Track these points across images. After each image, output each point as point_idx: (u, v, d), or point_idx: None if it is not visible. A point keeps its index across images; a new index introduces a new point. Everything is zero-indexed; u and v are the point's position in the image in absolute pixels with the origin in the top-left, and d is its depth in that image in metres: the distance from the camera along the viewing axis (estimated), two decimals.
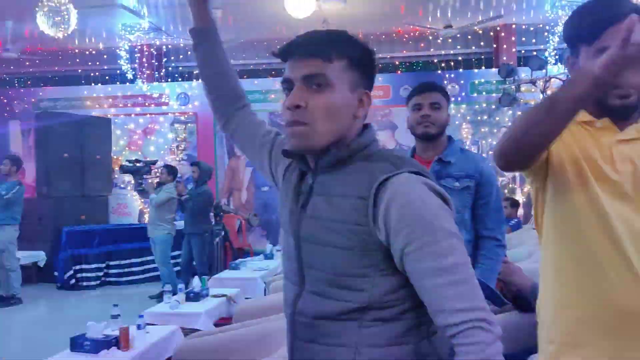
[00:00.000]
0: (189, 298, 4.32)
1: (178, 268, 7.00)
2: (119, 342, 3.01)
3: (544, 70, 7.00)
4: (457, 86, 8.33)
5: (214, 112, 1.42)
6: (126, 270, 7.63)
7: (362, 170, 1.05)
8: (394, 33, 8.67)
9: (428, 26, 7.81)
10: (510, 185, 8.25)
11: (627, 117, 1.28)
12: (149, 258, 7.60)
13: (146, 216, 8.75)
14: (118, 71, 9.27)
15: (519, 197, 7.97)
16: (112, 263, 7.59)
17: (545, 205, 1.34)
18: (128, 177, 8.41)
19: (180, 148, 9.26)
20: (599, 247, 1.24)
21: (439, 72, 8.47)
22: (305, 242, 1.10)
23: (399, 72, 8.70)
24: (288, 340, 1.15)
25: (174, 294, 4.50)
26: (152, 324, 3.63)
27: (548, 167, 1.30)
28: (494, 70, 8.13)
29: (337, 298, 1.04)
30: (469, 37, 8.63)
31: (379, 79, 8.60)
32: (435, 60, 8.91)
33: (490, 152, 8.27)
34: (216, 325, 4.16)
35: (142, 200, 8.75)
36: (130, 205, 9.10)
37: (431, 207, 0.99)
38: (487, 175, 2.16)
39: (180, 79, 9.44)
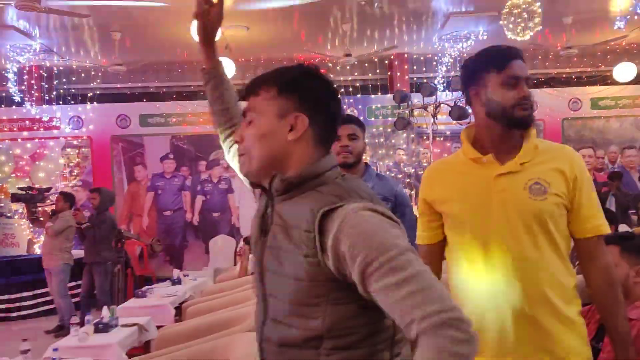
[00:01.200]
0: (97, 329, 4.14)
1: (75, 299, 6.64)
2: None
3: (434, 97, 7.56)
4: (355, 111, 8.73)
5: (222, 142, 1.54)
6: (16, 305, 7.08)
7: (310, 201, 1.08)
8: (295, 59, 8.94)
9: (328, 54, 8.16)
10: None
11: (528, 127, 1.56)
12: (41, 291, 7.14)
13: (36, 246, 8.20)
14: (4, 94, 8.67)
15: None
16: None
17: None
18: (16, 206, 7.84)
19: (73, 173, 8.80)
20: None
21: (339, 97, 8.82)
22: (266, 271, 1.14)
23: None
24: None
25: (82, 325, 4.29)
26: (63, 358, 3.46)
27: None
28: (389, 96, 8.64)
29: (296, 326, 1.07)
30: (366, 64, 9.12)
31: None
32: (335, 86, 9.25)
33: (387, 172, 8.77)
34: (129, 355, 4.04)
35: (32, 230, 8.19)
36: (19, 235, 8.46)
37: (381, 229, 1.01)
38: (401, 196, 2.42)
39: (72, 102, 9.01)
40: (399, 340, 1.11)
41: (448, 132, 8.51)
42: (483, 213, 1.53)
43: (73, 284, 6.74)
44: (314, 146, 1.15)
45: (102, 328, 4.16)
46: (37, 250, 8.05)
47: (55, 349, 3.21)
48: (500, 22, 6.28)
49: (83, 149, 8.84)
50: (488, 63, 1.56)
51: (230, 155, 1.51)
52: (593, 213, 1.54)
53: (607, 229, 1.55)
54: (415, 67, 9.18)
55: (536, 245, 1.49)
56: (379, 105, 8.84)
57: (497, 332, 1.50)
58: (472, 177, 1.56)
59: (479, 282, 1.53)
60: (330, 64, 8.86)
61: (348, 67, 8.76)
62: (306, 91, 1.15)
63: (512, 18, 6.11)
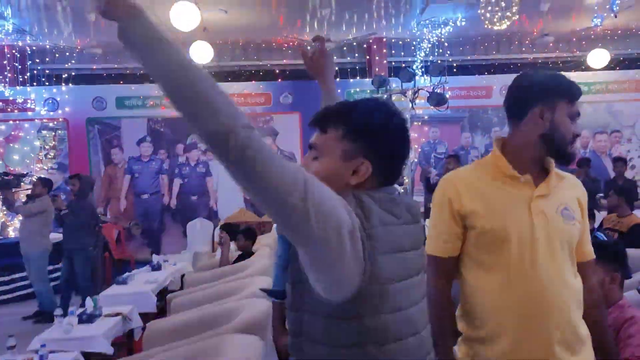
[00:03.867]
0: (81, 320, 4.16)
1: (54, 283, 6.64)
2: None
3: (412, 82, 7.62)
4: None
5: None
6: None
7: None
8: (274, 42, 8.89)
9: (306, 38, 8.14)
10: None
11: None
12: (17, 275, 7.10)
13: (10, 229, 8.11)
14: None
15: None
16: None
17: None
18: None
19: (49, 156, 8.68)
20: None
21: (317, 81, 8.83)
22: None
23: (279, 80, 8.94)
24: None
25: (65, 315, 4.32)
26: (51, 351, 3.48)
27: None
28: (368, 80, 8.68)
29: None
30: (344, 48, 9.12)
31: (260, 87, 8.79)
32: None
33: None
34: (113, 345, 4.09)
35: (5, 212, 8.09)
36: None
37: None
38: None
39: (47, 83, 8.83)
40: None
41: (426, 117, 8.62)
42: (528, 233, 1.50)
43: (51, 267, 6.73)
44: (374, 186, 1.14)
45: (86, 319, 4.18)
46: (12, 233, 7.97)
47: (43, 345, 3.24)
48: (479, 12, 6.35)
49: (59, 131, 8.71)
50: (564, 90, 1.56)
51: None
52: (589, 239, 1.65)
53: (594, 255, 1.67)
54: (393, 52, 9.21)
55: (569, 268, 1.55)
56: (357, 90, 8.88)
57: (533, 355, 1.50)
58: (512, 195, 1.53)
59: (516, 304, 1.50)
60: (308, 48, 8.83)
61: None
62: (374, 137, 1.12)
63: (490, 7, 6.18)
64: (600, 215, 6.44)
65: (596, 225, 5.00)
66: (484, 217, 1.53)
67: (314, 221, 0.92)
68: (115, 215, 8.57)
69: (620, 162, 7.61)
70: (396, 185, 1.26)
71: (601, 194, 7.52)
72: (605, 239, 3.81)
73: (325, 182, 1.02)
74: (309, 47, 1.59)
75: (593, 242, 2.27)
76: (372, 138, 1.12)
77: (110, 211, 8.64)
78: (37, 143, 8.61)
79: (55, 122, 8.66)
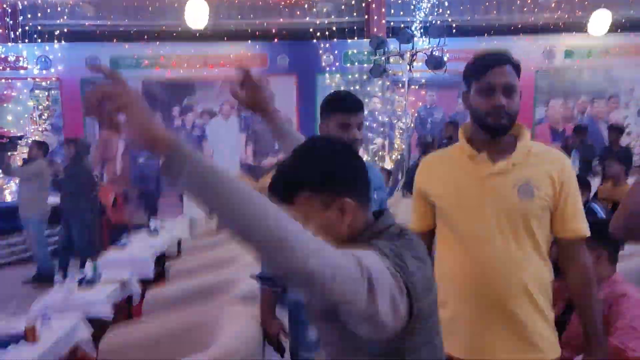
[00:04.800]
0: (82, 285, 4.22)
1: (52, 247, 6.69)
2: (26, 337, 2.95)
3: (411, 44, 7.50)
4: (331, 56, 8.65)
5: None
6: None
7: None
8: (271, 1, 8.70)
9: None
10: (380, 153, 8.86)
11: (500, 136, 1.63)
12: (16, 239, 7.14)
13: (6, 192, 8.11)
14: None
15: (388, 165, 8.62)
16: None
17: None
18: None
19: (43, 117, 8.59)
20: None
21: (315, 41, 8.71)
22: None
23: (275, 40, 8.79)
24: None
25: (65, 276, 4.37)
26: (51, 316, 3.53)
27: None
28: (366, 41, 8.54)
29: None
30: (343, 7, 8.94)
31: (256, 48, 8.65)
32: (311, 29, 9.08)
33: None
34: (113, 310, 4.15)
35: (2, 176, 8.07)
36: None
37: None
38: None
39: (39, 40, 8.64)
40: None
41: (423, 81, 8.54)
42: (474, 211, 1.60)
43: (49, 231, 6.77)
44: (362, 212, 1.15)
45: (87, 284, 4.24)
46: (8, 197, 7.97)
47: (45, 311, 3.29)
48: None
49: (53, 91, 8.60)
50: (472, 70, 1.64)
51: None
52: (575, 216, 1.62)
53: (587, 232, 1.64)
54: (392, 11, 9.03)
55: (520, 244, 1.58)
56: (355, 51, 8.75)
57: (474, 324, 1.62)
58: (466, 174, 1.63)
59: (464, 275, 1.63)
60: (306, 6, 8.66)
61: (325, 9, 8.58)
62: (337, 181, 1.12)
63: None
64: (595, 184, 6.50)
65: (591, 194, 5.02)
66: (441, 196, 1.69)
67: (380, 304, 0.94)
68: (111, 178, 8.56)
69: (615, 130, 7.58)
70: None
71: (596, 162, 7.56)
72: (600, 211, 3.84)
73: (327, 234, 1.02)
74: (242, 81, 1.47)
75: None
76: (334, 179, 1.11)
77: (106, 174, 8.62)
78: (30, 103, 8.51)
79: (48, 82, 8.53)
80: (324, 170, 1.11)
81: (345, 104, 1.90)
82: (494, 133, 1.60)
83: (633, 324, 2.02)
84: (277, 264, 0.86)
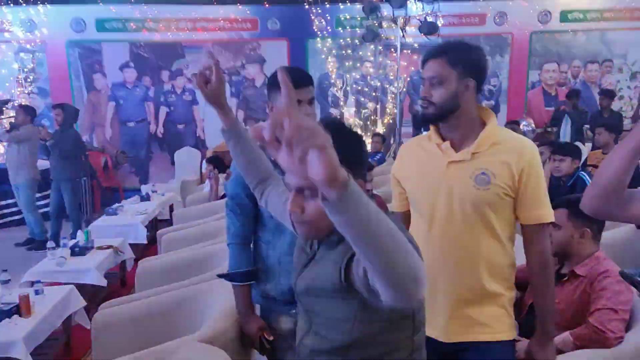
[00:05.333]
0: (74, 253, 4.24)
1: (43, 210, 6.69)
2: (19, 309, 2.97)
3: (404, 9, 7.37)
4: (323, 21, 8.50)
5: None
6: None
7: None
8: None
9: None
10: (372, 117, 8.81)
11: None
12: (7, 202, 7.14)
13: None
14: None
15: (380, 129, 8.60)
16: None
17: None
18: None
19: (28, 80, 8.43)
20: None
21: (306, 5, 8.52)
22: None
23: (265, 4, 8.59)
24: None
25: (57, 242, 4.38)
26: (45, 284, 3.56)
27: None
28: (358, 6, 8.38)
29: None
30: None
31: (247, 12, 8.46)
32: None
33: (354, 86, 8.73)
34: (106, 276, 4.18)
35: None
36: None
37: None
38: None
39: (23, 3, 8.40)
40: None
41: (416, 45, 8.42)
42: (431, 197, 1.67)
43: (39, 195, 6.76)
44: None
45: (79, 251, 4.26)
46: None
47: (38, 281, 3.31)
48: None
49: (38, 54, 8.41)
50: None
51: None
52: (537, 202, 1.64)
53: (548, 218, 1.66)
54: None
55: (475, 231, 1.64)
56: (347, 16, 8.60)
57: (428, 304, 1.67)
58: (431, 161, 1.70)
59: (425, 257, 1.66)
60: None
61: None
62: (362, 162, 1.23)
63: None
64: (587, 150, 6.53)
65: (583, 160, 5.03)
66: (408, 181, 1.79)
67: None
68: (101, 143, 8.48)
69: (606, 95, 7.58)
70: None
71: (587, 126, 7.58)
72: (589, 179, 3.86)
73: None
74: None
75: (568, 198, 2.30)
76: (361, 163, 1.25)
77: (96, 139, 8.53)
78: (15, 66, 8.33)
79: (33, 44, 8.34)
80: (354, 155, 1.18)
81: (294, 79, 1.75)
82: (423, 121, 1.68)
83: (613, 306, 2.06)
84: (401, 278, 0.88)
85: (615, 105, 8.25)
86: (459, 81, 1.61)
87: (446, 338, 1.69)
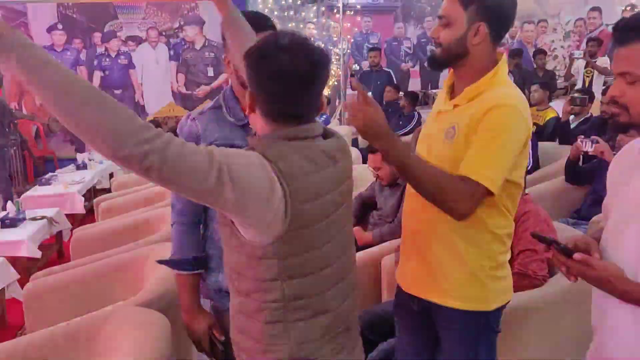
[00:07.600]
0: (5, 225, 4.03)
1: None
2: None
3: None
4: None
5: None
6: None
7: None
8: None
9: None
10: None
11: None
12: None
13: None
14: None
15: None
16: None
17: None
18: None
19: None
20: None
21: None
22: None
23: None
24: None
25: None
26: None
27: None
28: None
29: None
30: None
31: None
32: None
33: None
34: (41, 248, 4.02)
35: None
36: None
37: None
38: None
39: None
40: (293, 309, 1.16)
41: (359, 6, 8.36)
42: (421, 146, 1.63)
43: None
44: (287, 124, 1.19)
45: (10, 223, 4.06)
46: None
47: None
48: None
49: None
50: None
51: None
52: (470, 157, 1.43)
53: (480, 179, 1.40)
54: None
55: None
56: None
57: (404, 258, 1.70)
58: (435, 110, 1.66)
59: (408, 210, 1.66)
60: None
61: None
62: None
63: None
64: None
65: None
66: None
67: (231, 196, 1.00)
68: (31, 110, 8.04)
69: (540, 54, 7.79)
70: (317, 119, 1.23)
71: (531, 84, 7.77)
72: None
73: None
74: None
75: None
76: None
77: (25, 106, 8.08)
78: None
79: None
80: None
81: (254, 23, 1.54)
82: (431, 62, 1.58)
83: (532, 247, 2.10)
84: (106, 148, 0.91)
85: (550, 65, 8.51)
86: (469, 24, 1.46)
87: (416, 292, 1.62)
